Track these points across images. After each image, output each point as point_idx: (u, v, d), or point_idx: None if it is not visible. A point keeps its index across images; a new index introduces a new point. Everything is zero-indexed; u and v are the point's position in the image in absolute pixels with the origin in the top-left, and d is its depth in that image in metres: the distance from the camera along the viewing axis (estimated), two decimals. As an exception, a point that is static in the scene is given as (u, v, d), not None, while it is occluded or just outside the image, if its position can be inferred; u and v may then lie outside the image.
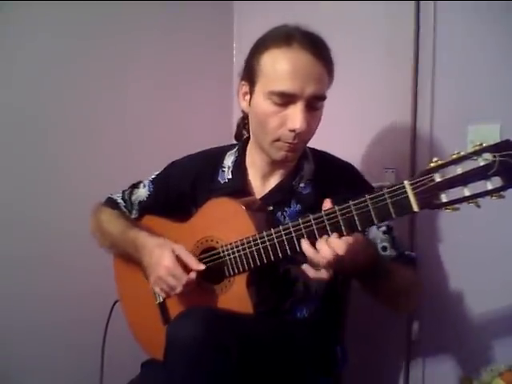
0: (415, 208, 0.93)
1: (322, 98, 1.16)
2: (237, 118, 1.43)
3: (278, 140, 1.17)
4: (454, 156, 0.90)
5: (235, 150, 1.36)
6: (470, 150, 0.89)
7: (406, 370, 1.61)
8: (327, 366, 1.28)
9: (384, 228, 1.20)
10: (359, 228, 0.99)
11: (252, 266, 1.13)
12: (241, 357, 1.00)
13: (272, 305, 1.20)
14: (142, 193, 1.42)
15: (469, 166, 0.89)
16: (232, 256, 1.16)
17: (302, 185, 1.26)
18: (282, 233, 1.07)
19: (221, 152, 1.37)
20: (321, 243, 1.01)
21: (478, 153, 0.88)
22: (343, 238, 0.99)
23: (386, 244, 1.20)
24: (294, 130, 1.14)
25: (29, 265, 1.64)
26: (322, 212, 1.02)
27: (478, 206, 0.90)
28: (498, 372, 1.26)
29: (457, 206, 0.91)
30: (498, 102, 1.42)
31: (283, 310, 1.23)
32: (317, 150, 1.32)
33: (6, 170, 1.61)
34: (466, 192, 0.89)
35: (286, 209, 1.25)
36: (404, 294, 1.19)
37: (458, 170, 0.90)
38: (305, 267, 1.04)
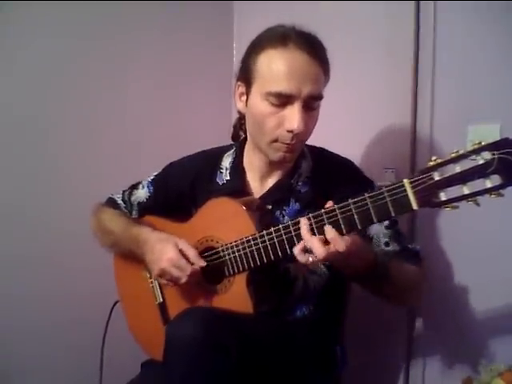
0: (414, 206, 0.93)
1: (319, 97, 1.16)
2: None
3: (275, 141, 1.17)
4: (453, 154, 0.90)
5: (232, 151, 1.36)
6: (469, 148, 0.88)
7: (406, 369, 1.61)
8: (327, 366, 1.28)
9: (387, 222, 1.20)
10: (359, 226, 0.99)
11: (252, 265, 1.13)
12: (240, 356, 0.99)
13: (272, 304, 1.19)
14: (142, 194, 1.42)
15: (468, 164, 0.88)
16: (232, 256, 1.16)
17: (300, 183, 1.26)
18: (282, 232, 1.08)
19: (219, 152, 1.37)
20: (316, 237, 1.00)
21: (477, 151, 0.88)
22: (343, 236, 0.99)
23: (388, 239, 1.20)
24: (291, 131, 1.14)
25: (29, 265, 1.64)
26: (322, 210, 1.02)
27: (478, 205, 0.90)
28: (498, 372, 1.26)
29: (456, 204, 0.91)
30: (498, 102, 1.41)
31: (283, 309, 1.23)
32: (314, 147, 1.32)
33: (6, 170, 1.62)
34: (466, 190, 0.89)
35: (284, 208, 1.25)
36: (408, 290, 1.19)
37: (457, 168, 0.90)
38: (297, 252, 1.02)
